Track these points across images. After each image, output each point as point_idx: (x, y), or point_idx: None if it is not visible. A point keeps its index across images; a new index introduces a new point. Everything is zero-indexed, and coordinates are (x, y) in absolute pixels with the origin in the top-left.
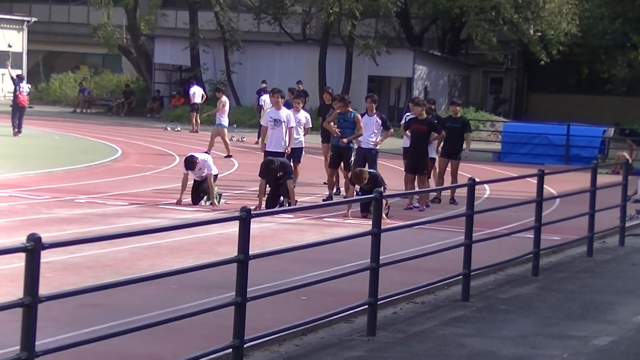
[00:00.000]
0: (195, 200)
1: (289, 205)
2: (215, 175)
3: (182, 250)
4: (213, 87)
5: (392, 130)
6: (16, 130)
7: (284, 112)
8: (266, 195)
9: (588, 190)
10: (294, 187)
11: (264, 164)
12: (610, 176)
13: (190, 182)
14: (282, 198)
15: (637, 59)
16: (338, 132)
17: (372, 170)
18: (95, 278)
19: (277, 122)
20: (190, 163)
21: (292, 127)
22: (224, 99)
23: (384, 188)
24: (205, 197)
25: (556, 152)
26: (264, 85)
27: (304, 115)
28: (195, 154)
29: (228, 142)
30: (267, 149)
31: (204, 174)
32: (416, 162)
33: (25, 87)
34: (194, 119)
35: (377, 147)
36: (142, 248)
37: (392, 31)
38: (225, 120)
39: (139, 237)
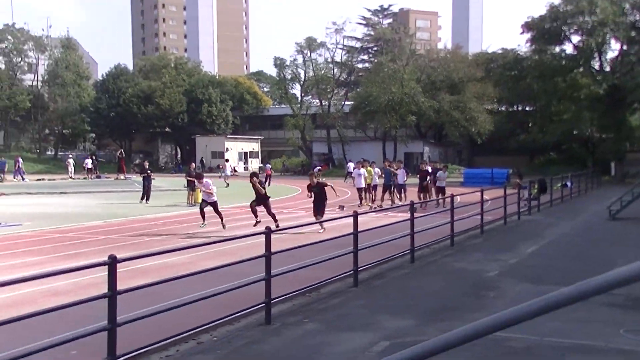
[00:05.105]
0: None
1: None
2: (214, 202)
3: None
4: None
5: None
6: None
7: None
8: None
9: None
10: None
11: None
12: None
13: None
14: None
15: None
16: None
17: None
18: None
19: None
20: (199, 176)
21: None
22: None
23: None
24: (203, 222)
25: (489, 180)
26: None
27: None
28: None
29: None
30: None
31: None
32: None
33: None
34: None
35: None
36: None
37: (411, 131)
38: None
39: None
